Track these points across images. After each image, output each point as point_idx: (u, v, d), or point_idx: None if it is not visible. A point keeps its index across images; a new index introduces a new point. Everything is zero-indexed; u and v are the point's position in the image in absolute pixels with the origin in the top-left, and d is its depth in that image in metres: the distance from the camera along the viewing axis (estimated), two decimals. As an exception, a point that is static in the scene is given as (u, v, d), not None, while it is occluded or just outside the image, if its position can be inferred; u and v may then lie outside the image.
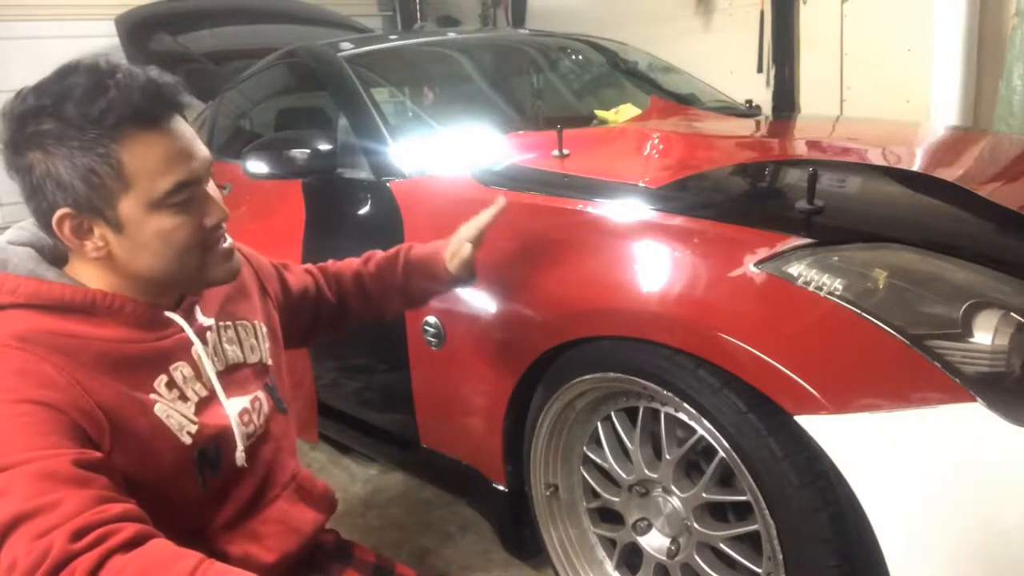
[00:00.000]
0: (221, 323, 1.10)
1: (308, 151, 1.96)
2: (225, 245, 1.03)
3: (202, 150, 0.98)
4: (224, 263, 1.04)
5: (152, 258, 0.96)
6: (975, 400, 0.98)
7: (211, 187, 1.01)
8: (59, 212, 0.92)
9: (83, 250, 0.96)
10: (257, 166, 1.95)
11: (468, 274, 1.42)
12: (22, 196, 0.95)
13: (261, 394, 1.13)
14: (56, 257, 1.01)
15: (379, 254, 1.45)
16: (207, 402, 1.03)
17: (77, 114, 0.89)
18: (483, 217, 1.39)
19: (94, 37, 3.93)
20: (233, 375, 1.09)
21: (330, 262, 1.46)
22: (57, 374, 0.88)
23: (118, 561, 0.76)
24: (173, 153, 0.94)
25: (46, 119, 0.89)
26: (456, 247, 1.39)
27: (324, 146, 1.98)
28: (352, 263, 1.45)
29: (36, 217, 0.96)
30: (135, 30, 3.41)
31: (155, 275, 0.98)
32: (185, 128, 0.97)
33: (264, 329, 1.19)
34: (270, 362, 1.19)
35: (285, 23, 3.70)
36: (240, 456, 1.05)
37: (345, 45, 2.39)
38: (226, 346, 1.09)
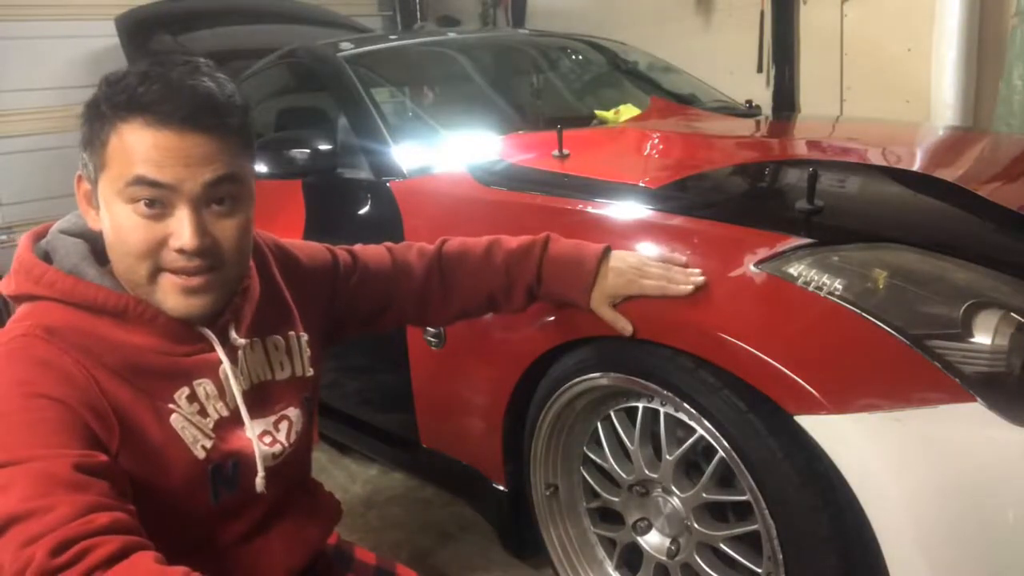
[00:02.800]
0: (248, 340, 1.06)
1: (308, 151, 1.96)
2: (181, 280, 0.94)
3: (207, 174, 0.91)
4: (176, 296, 0.95)
5: (111, 249, 0.96)
6: (975, 400, 0.98)
7: (200, 214, 0.93)
8: (77, 173, 0.96)
9: (88, 215, 0.99)
10: (257, 166, 1.94)
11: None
12: None
13: (292, 411, 1.10)
14: (105, 249, 1.00)
15: (507, 243, 1.29)
16: (229, 421, 1.01)
17: (108, 89, 0.92)
18: (671, 289, 1.19)
19: (94, 37, 3.93)
20: (258, 394, 1.06)
21: (451, 241, 1.31)
22: (77, 370, 0.89)
23: None
24: (162, 152, 0.90)
25: (101, 89, 0.94)
26: (607, 293, 1.23)
27: (324, 146, 1.98)
28: (474, 249, 1.29)
29: None
30: (135, 30, 3.40)
31: (116, 269, 0.97)
32: (211, 149, 0.92)
33: (305, 337, 1.14)
34: (311, 372, 1.14)
35: (285, 23, 3.69)
36: (260, 483, 1.02)
37: (345, 45, 2.39)
38: (251, 364, 1.06)
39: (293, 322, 1.14)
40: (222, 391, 1.01)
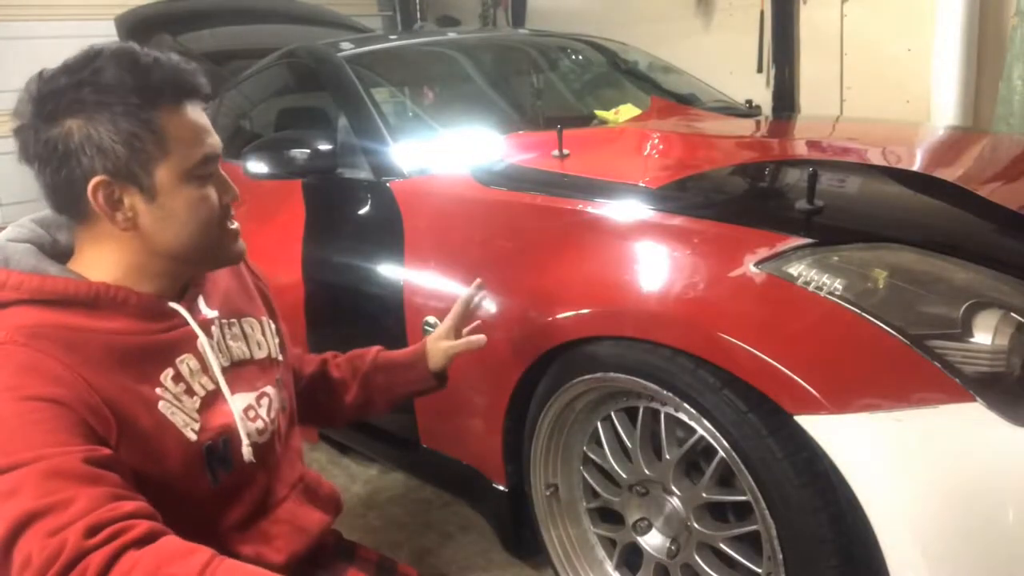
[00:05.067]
0: (225, 319, 1.10)
1: (308, 151, 1.96)
2: (233, 226, 1.06)
3: (215, 133, 1.03)
4: (235, 243, 1.06)
5: (179, 228, 0.98)
6: (975, 400, 0.98)
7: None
8: (96, 179, 0.92)
9: (113, 220, 0.96)
10: (257, 166, 1.95)
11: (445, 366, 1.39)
12: (44, 173, 0.94)
13: (271, 390, 1.13)
14: (57, 253, 1.01)
15: (340, 356, 1.41)
16: (213, 396, 1.03)
17: (118, 82, 0.92)
18: (455, 310, 1.37)
19: (94, 37, 3.92)
20: (239, 371, 1.09)
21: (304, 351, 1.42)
22: (63, 370, 0.88)
23: (131, 556, 0.76)
24: (200, 127, 0.99)
25: (85, 89, 0.91)
26: (435, 351, 1.37)
27: (324, 146, 1.98)
28: (313, 357, 1.40)
29: (62, 189, 0.95)
30: (135, 30, 3.40)
31: (178, 248, 0.99)
32: (201, 111, 1.01)
33: (273, 325, 1.19)
34: (281, 357, 1.18)
35: (285, 23, 3.69)
36: (247, 451, 1.04)
37: (345, 45, 2.39)
38: (231, 342, 1.09)
39: (261, 309, 1.19)
40: (204, 366, 1.03)
